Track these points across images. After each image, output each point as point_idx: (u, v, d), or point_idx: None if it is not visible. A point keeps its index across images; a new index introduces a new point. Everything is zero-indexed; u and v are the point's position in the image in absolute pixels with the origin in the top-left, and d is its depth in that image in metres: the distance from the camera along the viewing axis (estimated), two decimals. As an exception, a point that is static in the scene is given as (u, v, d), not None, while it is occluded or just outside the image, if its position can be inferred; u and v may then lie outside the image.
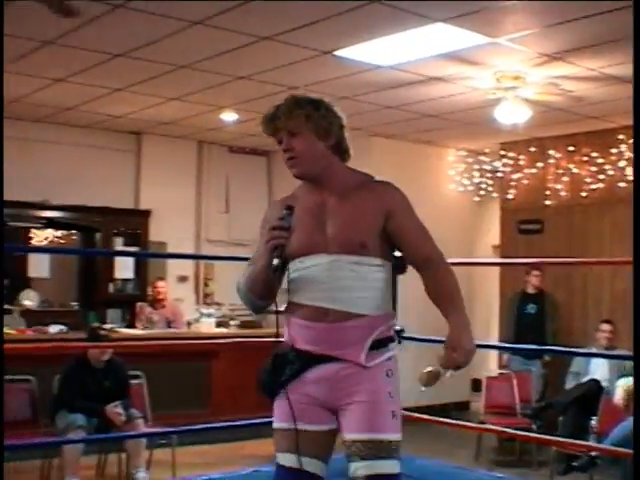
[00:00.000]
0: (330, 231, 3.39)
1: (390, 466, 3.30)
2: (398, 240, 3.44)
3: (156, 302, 11.16)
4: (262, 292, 3.44)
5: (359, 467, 3.29)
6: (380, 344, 3.39)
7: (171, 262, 12.35)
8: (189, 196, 12.81)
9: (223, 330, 10.93)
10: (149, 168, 12.43)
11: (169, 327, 10.94)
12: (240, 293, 3.54)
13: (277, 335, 3.48)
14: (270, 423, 3.48)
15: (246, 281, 3.49)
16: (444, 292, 3.41)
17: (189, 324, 11.13)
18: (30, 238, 12.19)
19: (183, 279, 12.50)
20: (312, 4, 6.57)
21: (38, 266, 11.50)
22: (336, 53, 7.87)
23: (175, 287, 12.02)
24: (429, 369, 3.77)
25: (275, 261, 3.29)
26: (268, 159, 13.65)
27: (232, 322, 11.38)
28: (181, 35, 7.36)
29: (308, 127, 3.40)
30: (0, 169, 5.16)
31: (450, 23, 6.92)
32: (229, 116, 10.84)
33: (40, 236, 12.30)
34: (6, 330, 9.38)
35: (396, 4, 6.48)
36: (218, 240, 12.81)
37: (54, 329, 9.86)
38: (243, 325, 11.32)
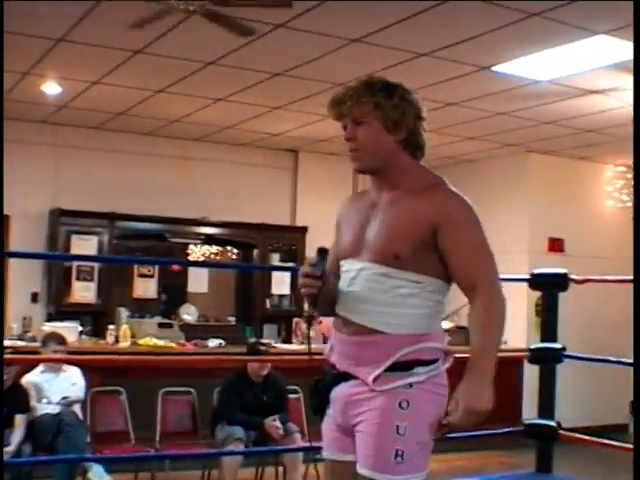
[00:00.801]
0: (367, 236, 3.06)
1: None
2: (446, 257, 2.98)
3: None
4: (322, 311, 3.18)
5: None
6: (402, 367, 2.94)
7: (326, 278, 12.38)
8: (345, 213, 12.79)
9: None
10: (305, 185, 12.58)
11: (325, 343, 10.94)
12: None
13: (309, 351, 3.33)
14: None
15: None
16: (478, 329, 2.96)
17: (344, 340, 11.13)
18: (188, 254, 12.43)
19: (338, 295, 12.49)
20: (470, 19, 6.56)
21: (197, 281, 11.73)
22: (494, 68, 7.81)
23: (330, 303, 12.02)
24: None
25: (308, 310, 3.08)
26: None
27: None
28: (339, 53, 7.44)
29: (376, 116, 3.04)
30: (0, 172, 5.24)
31: (612, 35, 6.79)
32: (385, 133, 10.81)
33: (197, 252, 12.53)
34: (167, 343, 9.63)
35: (556, 17, 6.40)
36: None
37: (213, 343, 10.08)
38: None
